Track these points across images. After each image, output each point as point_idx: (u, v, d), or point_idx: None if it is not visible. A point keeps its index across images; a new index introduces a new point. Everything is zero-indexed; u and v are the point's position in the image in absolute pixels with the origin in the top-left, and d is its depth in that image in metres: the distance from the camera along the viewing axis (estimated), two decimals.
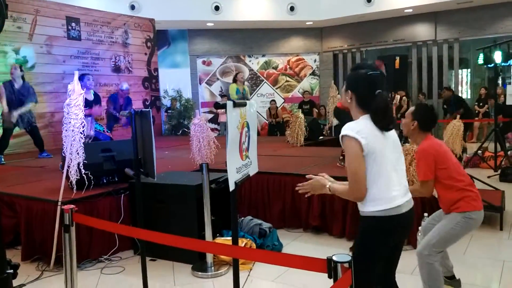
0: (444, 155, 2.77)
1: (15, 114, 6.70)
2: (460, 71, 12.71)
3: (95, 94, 6.67)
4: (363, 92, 2.01)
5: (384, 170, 1.98)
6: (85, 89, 6.55)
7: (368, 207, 1.99)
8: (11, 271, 1.05)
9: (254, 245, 3.84)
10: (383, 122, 1.99)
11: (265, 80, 13.83)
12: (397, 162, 2.07)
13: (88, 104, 6.67)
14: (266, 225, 4.14)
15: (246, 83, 9.23)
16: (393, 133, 2.09)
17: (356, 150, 1.93)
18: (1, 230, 1.06)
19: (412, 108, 2.97)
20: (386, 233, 2.02)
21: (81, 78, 6.78)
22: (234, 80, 8.78)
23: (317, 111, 11.79)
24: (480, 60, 7.66)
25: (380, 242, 2.03)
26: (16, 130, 7.09)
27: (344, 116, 5.32)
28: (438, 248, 2.72)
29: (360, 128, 1.96)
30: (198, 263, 3.67)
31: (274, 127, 11.86)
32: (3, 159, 6.77)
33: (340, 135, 1.99)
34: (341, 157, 5.09)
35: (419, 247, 2.77)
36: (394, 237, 2.08)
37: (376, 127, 1.99)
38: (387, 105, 2.00)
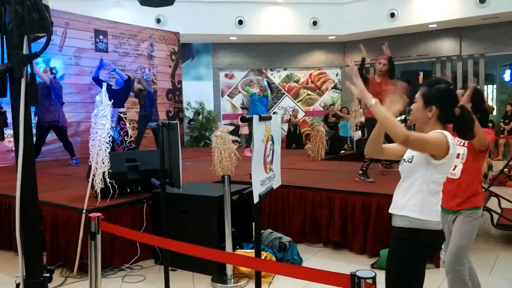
0: None
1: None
2: (485, 87, 12.49)
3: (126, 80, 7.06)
4: (447, 106, 2.01)
5: (443, 183, 2.03)
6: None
7: (422, 215, 1.95)
8: (48, 275, 1.10)
9: (274, 259, 3.83)
10: (469, 133, 2.05)
11: (286, 94, 13.87)
12: None
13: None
14: (286, 239, 4.13)
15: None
16: None
17: (442, 143, 1.93)
18: (40, 237, 1.11)
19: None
20: (432, 247, 2.05)
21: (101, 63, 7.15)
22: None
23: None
24: (507, 76, 7.54)
25: (425, 255, 2.04)
26: (48, 138, 7.21)
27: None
28: (464, 259, 2.66)
29: (454, 141, 2.01)
30: (217, 274, 3.69)
31: (292, 138, 11.74)
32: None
33: (436, 131, 1.97)
34: (360, 172, 5.04)
35: (448, 264, 2.68)
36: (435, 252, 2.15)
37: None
38: (472, 117, 2.07)
